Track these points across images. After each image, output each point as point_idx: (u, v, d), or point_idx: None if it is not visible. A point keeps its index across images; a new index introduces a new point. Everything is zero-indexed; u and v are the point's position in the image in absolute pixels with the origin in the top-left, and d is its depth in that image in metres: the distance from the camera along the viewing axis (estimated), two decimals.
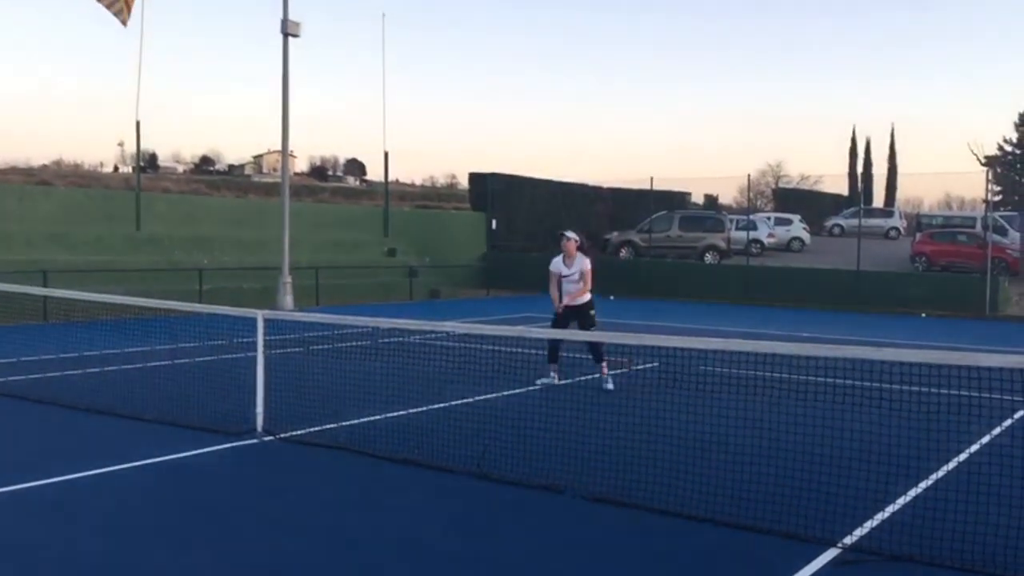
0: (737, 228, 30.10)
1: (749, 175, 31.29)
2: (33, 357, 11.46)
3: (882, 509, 5.48)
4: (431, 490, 5.99)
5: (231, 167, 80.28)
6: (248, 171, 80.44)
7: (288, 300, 19.97)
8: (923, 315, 21.90)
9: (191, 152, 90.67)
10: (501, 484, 6.06)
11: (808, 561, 4.65)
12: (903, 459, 5.76)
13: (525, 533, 5.17)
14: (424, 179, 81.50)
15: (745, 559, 4.77)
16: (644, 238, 29.74)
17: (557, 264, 10.40)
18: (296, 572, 4.49)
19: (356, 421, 7.88)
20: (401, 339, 11.13)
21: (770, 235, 32.88)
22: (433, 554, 4.79)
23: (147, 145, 74.08)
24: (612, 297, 24.26)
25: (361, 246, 26.95)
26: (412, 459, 6.66)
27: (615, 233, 31.52)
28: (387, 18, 46.06)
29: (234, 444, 7.13)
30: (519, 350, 10.41)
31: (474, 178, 32.63)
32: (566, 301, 10.25)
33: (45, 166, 58.65)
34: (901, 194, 53.76)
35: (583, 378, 10.27)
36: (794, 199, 43.80)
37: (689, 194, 40.60)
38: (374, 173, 76.10)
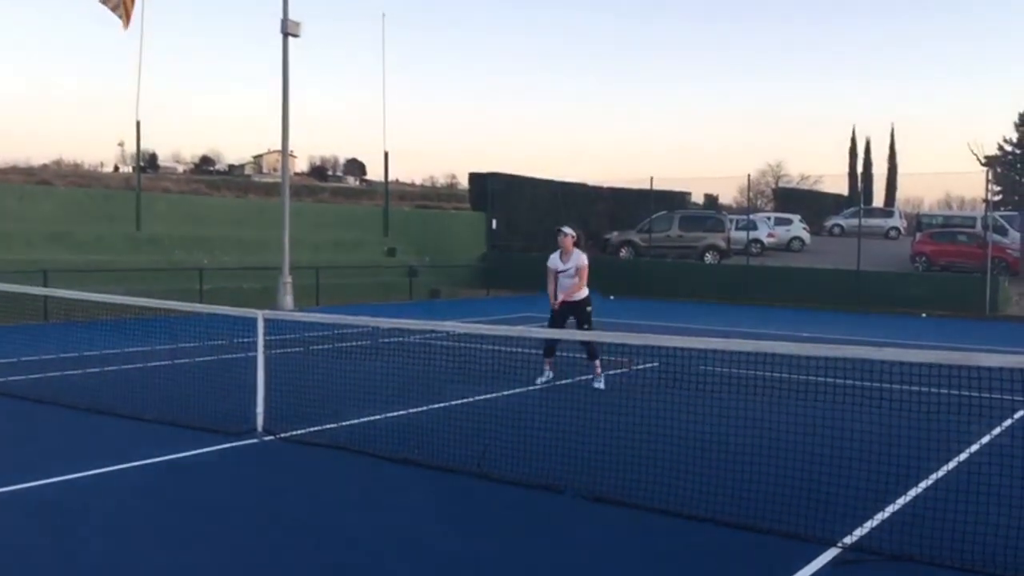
0: (737, 228, 30.11)
1: (749, 175, 31.32)
2: (33, 357, 11.46)
3: (882, 509, 5.48)
4: (431, 490, 6.00)
5: (231, 167, 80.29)
6: (248, 171, 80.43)
7: (288, 300, 19.97)
8: (923, 315, 21.89)
9: (191, 152, 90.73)
10: (501, 484, 6.06)
11: (808, 561, 4.65)
12: (903, 459, 5.76)
13: (525, 533, 5.17)
14: (424, 179, 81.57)
15: (745, 559, 4.77)
16: (644, 238, 29.74)
17: (554, 260, 10.42)
18: (296, 572, 4.49)
19: (356, 421, 7.88)
20: (401, 339, 11.13)
21: (770, 235, 32.88)
22: (433, 554, 4.79)
23: (147, 145, 74.11)
24: (612, 297, 24.28)
25: (361, 246, 26.95)
26: (412, 459, 6.66)
27: (615, 233, 31.54)
28: (387, 18, 46.11)
29: (234, 444, 7.13)
30: (519, 350, 10.42)
31: (474, 178, 32.64)
32: (562, 297, 10.25)
33: (45, 166, 58.66)
34: (901, 194, 53.87)
35: (583, 378, 10.27)
36: (794, 199, 43.81)
37: (689, 194, 40.61)
38: (374, 173, 76.13)
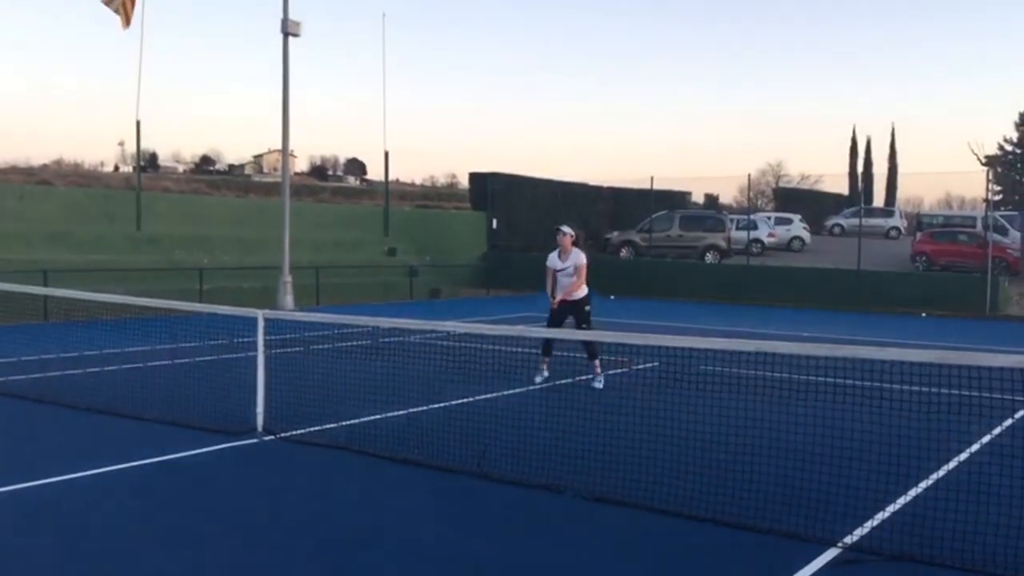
0: (737, 228, 30.10)
1: (749, 175, 31.31)
2: (33, 356, 11.46)
3: (882, 509, 5.48)
4: (431, 490, 5.99)
5: (231, 167, 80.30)
6: (248, 171, 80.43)
7: (288, 300, 19.97)
8: (923, 315, 21.89)
9: (191, 152, 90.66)
10: (501, 484, 6.06)
11: (808, 561, 4.64)
12: (903, 459, 5.75)
13: (525, 533, 5.17)
14: (424, 179, 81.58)
15: (745, 558, 4.76)
16: (644, 238, 29.74)
17: (553, 259, 10.42)
18: (296, 572, 4.49)
19: (356, 421, 7.88)
20: (401, 339, 11.13)
21: (770, 235, 32.88)
22: (433, 554, 4.79)
23: (147, 145, 74.08)
24: (612, 297, 24.27)
25: (361, 246, 26.95)
26: (412, 459, 6.66)
27: (616, 233, 31.53)
28: (387, 18, 46.12)
29: (234, 444, 7.13)
30: (519, 350, 10.42)
31: (474, 178, 32.63)
32: (560, 296, 10.25)
33: (45, 165, 58.67)
34: (901, 194, 53.82)
35: (583, 378, 10.27)
36: (794, 199, 43.80)
37: (689, 194, 40.60)
38: (374, 173, 76.16)
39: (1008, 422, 8.10)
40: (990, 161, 42.41)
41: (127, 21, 21.12)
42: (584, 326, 10.17)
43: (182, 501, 5.70)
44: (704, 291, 25.74)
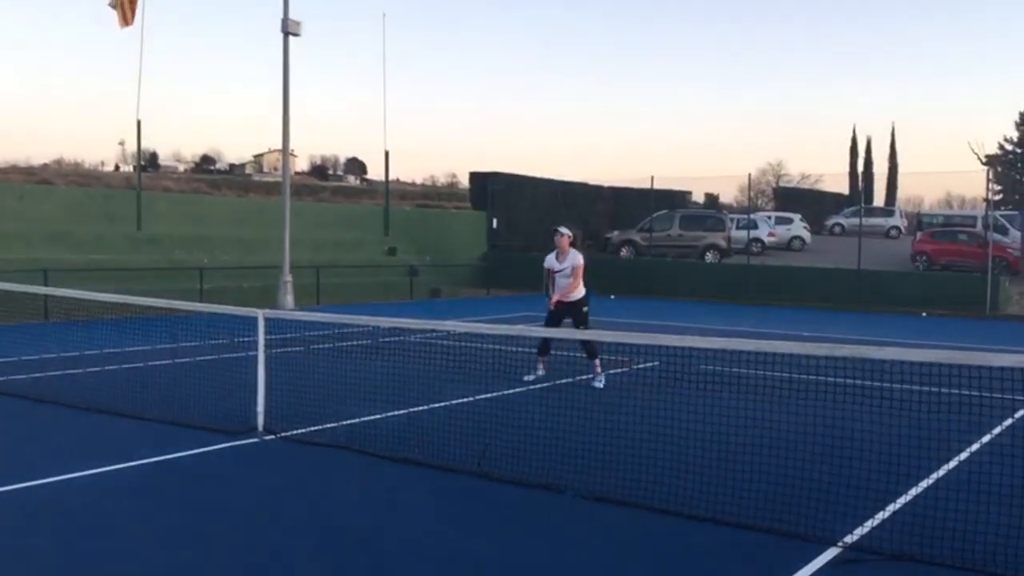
0: (738, 227, 30.11)
1: (750, 174, 31.31)
2: (34, 356, 11.47)
3: (883, 508, 5.48)
4: (431, 489, 5.99)
5: (232, 166, 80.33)
6: (249, 170, 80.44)
7: (289, 299, 19.97)
8: (924, 314, 21.89)
9: (192, 151, 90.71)
10: (501, 484, 6.06)
11: (808, 560, 4.64)
12: (904, 458, 5.75)
13: (525, 532, 5.17)
14: (425, 178, 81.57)
15: (745, 558, 4.76)
16: (645, 237, 29.74)
17: (550, 260, 10.42)
18: (296, 571, 4.50)
19: (357, 420, 7.89)
20: (402, 338, 11.13)
21: (771, 234, 32.88)
22: (433, 553, 4.79)
23: (148, 144, 74.12)
24: (613, 296, 24.27)
25: (362, 245, 26.95)
26: (412, 458, 6.66)
27: (616, 232, 31.54)
28: (387, 18, 46.06)
29: (235, 443, 7.13)
30: (519, 349, 10.42)
31: (475, 177, 32.63)
32: (556, 296, 10.25)
33: (46, 165, 58.73)
34: (902, 193, 53.75)
35: (583, 377, 10.27)
36: (795, 198, 43.80)
37: (690, 193, 40.59)
38: (375, 172, 76.19)
39: (1008, 421, 8.11)
40: (990, 160, 42.37)
41: (125, 20, 21.12)
42: (582, 327, 10.17)
43: (182, 501, 5.70)
44: (704, 291, 25.75)
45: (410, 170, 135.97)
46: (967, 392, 5.69)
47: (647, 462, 6.21)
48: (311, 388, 8.58)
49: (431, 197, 57.66)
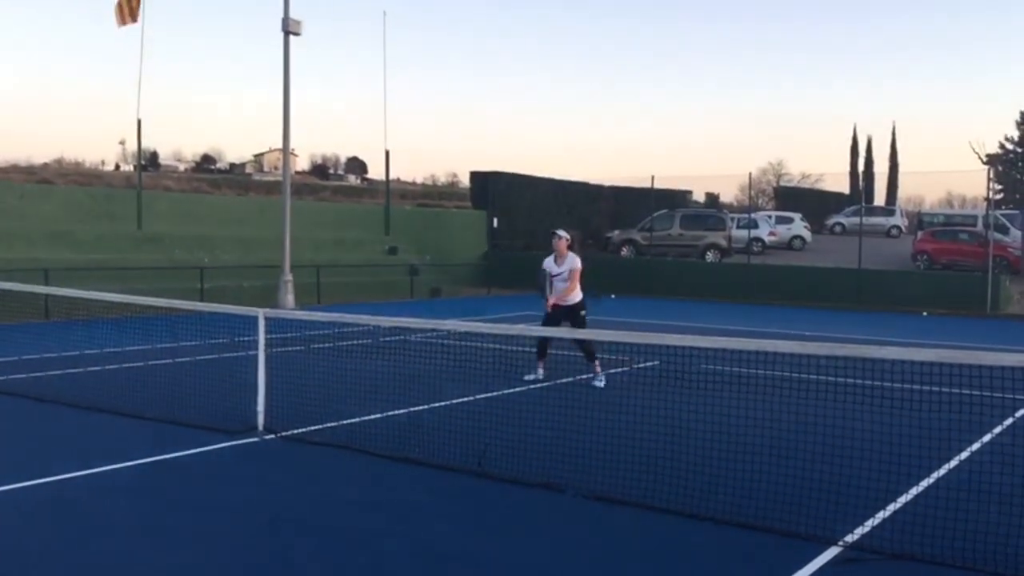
0: (738, 226, 30.11)
1: (750, 173, 31.37)
2: (34, 355, 11.47)
3: (883, 507, 5.47)
4: (431, 489, 5.99)
5: (232, 165, 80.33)
6: (249, 169, 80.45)
7: (289, 299, 19.98)
8: (924, 313, 21.89)
9: (192, 150, 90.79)
10: (502, 483, 6.06)
11: (809, 560, 4.64)
12: (904, 457, 5.75)
13: (526, 532, 5.17)
14: (425, 177, 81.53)
15: (746, 558, 4.76)
16: (645, 236, 29.73)
17: (549, 263, 10.41)
18: (296, 571, 4.49)
19: (357, 420, 7.88)
20: (402, 338, 11.13)
21: (771, 233, 32.87)
22: (433, 553, 4.79)
23: (148, 143, 74.17)
24: (613, 296, 24.27)
25: (362, 244, 26.95)
26: (413, 458, 6.66)
27: (616, 232, 31.55)
28: (388, 17, 46.01)
29: (235, 443, 7.13)
30: (520, 349, 10.42)
31: (475, 176, 32.64)
32: (553, 300, 10.23)
33: (46, 164, 58.73)
34: (902, 192, 53.64)
35: (583, 377, 10.27)
36: (795, 197, 43.80)
37: (690, 192, 40.60)
38: (375, 171, 76.23)
39: (1009, 421, 8.10)
40: (991, 160, 42.40)
41: (123, 19, 21.12)
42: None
43: (182, 500, 5.69)
44: (705, 290, 25.75)
45: (411, 169, 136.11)
46: (968, 391, 5.68)
47: (647, 462, 6.20)
48: (311, 387, 8.58)
49: (432, 196, 57.66)
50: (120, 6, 21.12)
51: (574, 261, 10.25)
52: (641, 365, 10.70)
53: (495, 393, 9.13)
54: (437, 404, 8.60)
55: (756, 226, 29.92)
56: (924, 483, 6.04)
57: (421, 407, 8.46)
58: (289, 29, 20.06)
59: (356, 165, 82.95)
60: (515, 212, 30.96)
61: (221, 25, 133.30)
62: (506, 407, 8.34)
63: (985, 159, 43.81)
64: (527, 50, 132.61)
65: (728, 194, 46.43)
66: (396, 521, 5.30)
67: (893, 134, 57.68)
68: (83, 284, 14.47)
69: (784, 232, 34.13)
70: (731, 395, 7.17)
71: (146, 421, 7.84)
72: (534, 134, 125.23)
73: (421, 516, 5.42)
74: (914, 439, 6.02)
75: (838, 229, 39.30)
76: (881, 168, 57.08)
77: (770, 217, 35.29)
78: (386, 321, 7.75)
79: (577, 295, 10.31)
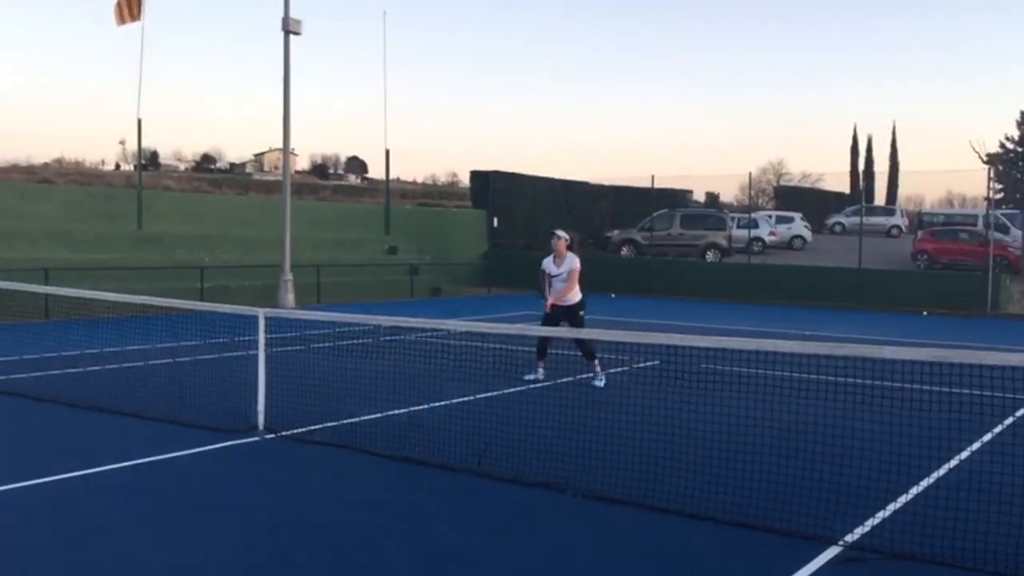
0: (739, 226, 30.10)
1: (751, 173, 31.40)
2: (35, 355, 11.47)
3: (884, 507, 5.47)
4: (432, 489, 5.99)
5: (232, 165, 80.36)
6: (249, 169, 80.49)
7: (289, 298, 19.98)
8: (925, 313, 21.88)
9: (192, 150, 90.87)
10: (502, 483, 6.06)
11: (809, 559, 4.64)
12: (905, 457, 5.75)
13: (526, 531, 5.17)
14: (425, 177, 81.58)
15: (746, 557, 4.76)
16: (646, 236, 29.72)
17: (548, 264, 10.40)
18: (297, 570, 4.49)
19: (357, 419, 7.88)
20: (402, 337, 11.13)
21: (771, 233, 32.85)
22: (433, 552, 4.79)
23: (148, 143, 74.18)
24: (614, 295, 24.28)
25: (362, 244, 26.94)
26: (413, 457, 6.66)
27: (616, 231, 31.53)
28: (388, 16, 46.01)
29: (235, 442, 7.13)
30: (520, 348, 10.42)
31: (475, 176, 32.61)
32: (552, 300, 10.23)
33: (46, 164, 58.78)
34: (903, 192, 53.56)
35: (583, 376, 10.27)
36: (795, 197, 43.75)
37: (691, 192, 40.57)
38: (375, 171, 76.26)
39: (1009, 420, 8.10)
40: (991, 159, 42.34)
41: (122, 18, 21.13)
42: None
43: (182, 500, 5.69)
44: (705, 290, 25.74)
45: (411, 169, 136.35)
46: (968, 391, 5.68)
47: (647, 461, 6.20)
48: (312, 387, 8.58)
49: (432, 196, 57.67)
50: (120, 4, 21.12)
51: (573, 261, 10.25)
52: (641, 365, 10.71)
53: (495, 393, 9.13)
54: (437, 404, 8.60)
55: (756, 226, 29.91)
56: (924, 483, 6.03)
57: (421, 407, 8.46)
58: (289, 29, 20.06)
59: (356, 165, 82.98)
60: (515, 212, 30.95)
61: (221, 25, 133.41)
62: (506, 407, 8.34)
63: (985, 158, 43.74)
64: (527, 50, 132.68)
65: (728, 194, 46.39)
66: (396, 521, 5.30)
67: (893, 133, 57.68)
68: (83, 284, 14.46)
69: (784, 232, 34.11)
70: (731, 395, 7.17)
71: (146, 421, 7.84)
72: (534, 134, 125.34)
73: (421, 516, 5.42)
74: (914, 439, 6.02)
75: (838, 229, 39.28)
76: (881, 168, 57.07)
77: (770, 217, 35.26)
78: (386, 321, 7.75)
79: (576, 295, 10.31)
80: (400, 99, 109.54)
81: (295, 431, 7.41)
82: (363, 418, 7.92)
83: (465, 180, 43.13)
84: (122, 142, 73.66)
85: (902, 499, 5.64)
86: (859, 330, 16.64)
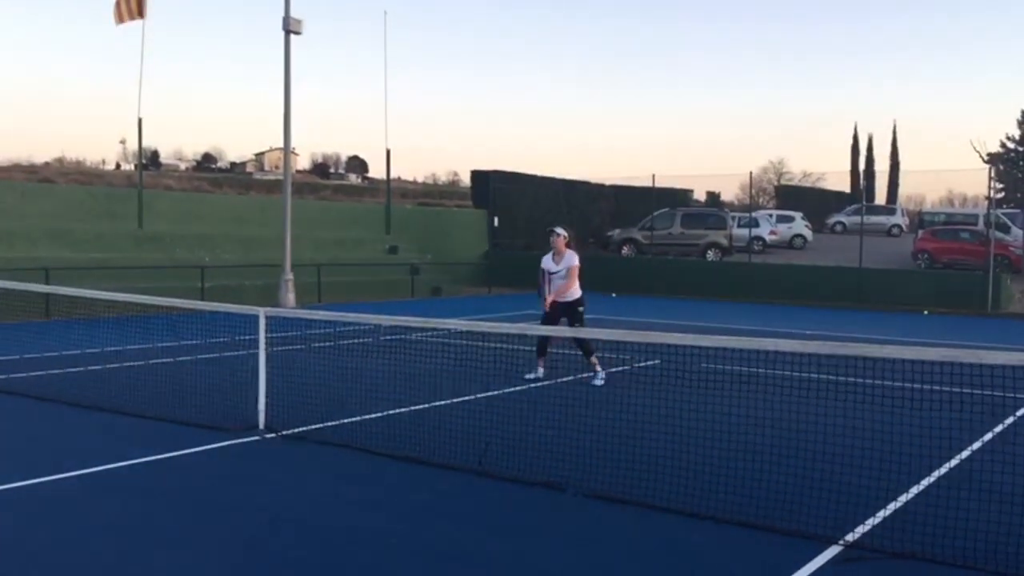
0: (739, 225, 30.10)
1: (751, 172, 31.34)
2: (35, 355, 11.47)
3: (884, 506, 5.47)
4: (432, 488, 5.99)
5: (233, 164, 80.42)
6: (250, 168, 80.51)
7: (290, 298, 19.97)
8: (925, 312, 21.88)
9: (193, 149, 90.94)
10: (502, 482, 6.06)
11: (810, 559, 4.64)
12: (905, 456, 5.75)
13: (526, 531, 5.17)
14: (426, 176, 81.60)
15: (746, 557, 4.76)
16: (646, 235, 29.72)
17: (547, 261, 10.40)
18: (297, 570, 4.49)
19: (358, 419, 7.88)
20: (403, 337, 11.13)
21: (772, 232, 32.83)
22: (434, 552, 4.79)
23: (149, 142, 74.25)
24: (614, 294, 24.27)
25: (363, 243, 26.94)
26: (413, 456, 6.66)
27: (617, 230, 31.53)
28: (389, 16, 46.10)
29: (236, 441, 7.13)
30: (520, 347, 10.42)
31: (476, 175, 32.61)
32: (551, 297, 10.23)
33: (47, 163, 58.80)
34: (903, 191, 53.49)
35: (583, 375, 10.27)
36: (796, 196, 43.75)
37: (691, 191, 40.56)
38: (376, 170, 76.33)
39: (1010, 420, 8.10)
40: (992, 159, 42.36)
41: (122, 17, 21.12)
42: (578, 326, 10.15)
43: (183, 499, 5.69)
44: (706, 289, 25.74)
45: (411, 168, 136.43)
46: (968, 390, 5.68)
47: (648, 460, 6.20)
48: (312, 386, 8.58)
49: (432, 195, 57.66)
50: (119, 3, 21.10)
51: (572, 259, 10.25)
52: (642, 364, 10.70)
53: (495, 392, 9.13)
54: (438, 403, 8.60)
55: (757, 225, 29.90)
56: (925, 482, 6.03)
57: (422, 406, 8.46)
58: (290, 28, 20.05)
59: (357, 164, 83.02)
60: (516, 211, 30.94)
61: (222, 24, 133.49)
62: (506, 406, 8.34)
63: (986, 158, 43.75)
64: (527, 50, 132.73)
65: (729, 193, 46.36)
66: (396, 520, 5.30)
67: (894, 133, 57.71)
68: (84, 283, 14.48)
69: (785, 231, 34.09)
70: (732, 394, 7.16)
71: (147, 420, 7.84)
72: (534, 133, 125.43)
73: (421, 515, 5.41)
74: (915, 438, 6.02)
75: (839, 228, 39.27)
76: (882, 167, 57.03)
77: (771, 216, 35.24)
78: (386, 320, 7.75)
79: (576, 292, 10.31)
80: (401, 99, 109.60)
81: (295, 430, 7.41)
82: (363, 417, 7.92)
83: (466, 180, 43.24)
84: (123, 141, 73.80)
85: (903, 498, 5.64)
86: (859, 329, 16.64)
